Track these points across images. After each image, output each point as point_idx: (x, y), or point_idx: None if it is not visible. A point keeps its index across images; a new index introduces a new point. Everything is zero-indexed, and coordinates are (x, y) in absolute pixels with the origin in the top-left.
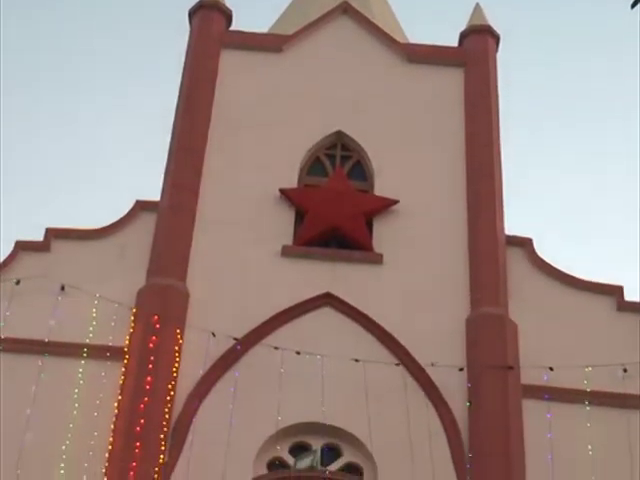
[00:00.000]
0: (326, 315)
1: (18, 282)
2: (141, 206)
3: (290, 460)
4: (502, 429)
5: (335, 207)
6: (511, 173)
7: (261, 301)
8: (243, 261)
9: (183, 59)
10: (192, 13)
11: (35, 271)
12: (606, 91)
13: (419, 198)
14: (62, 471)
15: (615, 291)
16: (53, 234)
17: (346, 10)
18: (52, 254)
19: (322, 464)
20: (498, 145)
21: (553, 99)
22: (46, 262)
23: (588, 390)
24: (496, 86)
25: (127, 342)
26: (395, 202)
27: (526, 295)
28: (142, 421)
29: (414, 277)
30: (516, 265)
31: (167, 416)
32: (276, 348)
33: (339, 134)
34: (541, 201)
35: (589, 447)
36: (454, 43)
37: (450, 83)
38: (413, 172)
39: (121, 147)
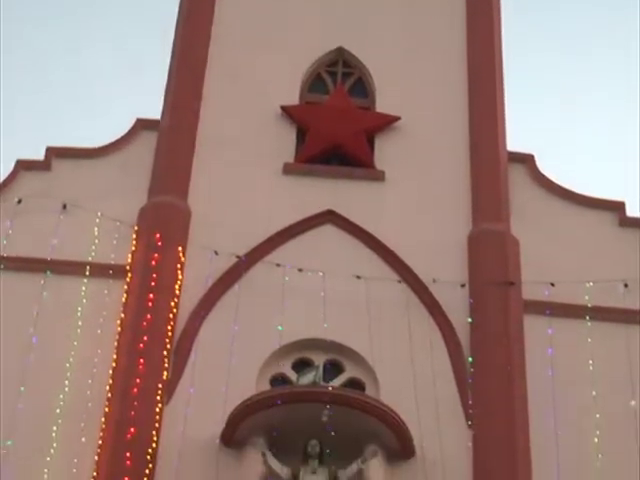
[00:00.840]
0: (328, 232)
1: (20, 201)
2: (142, 125)
3: (293, 376)
4: (503, 345)
5: (337, 124)
6: (513, 89)
7: (263, 219)
8: (245, 179)
9: None
10: None
11: (36, 190)
12: None
13: (421, 115)
14: (66, 388)
15: (617, 207)
16: (54, 153)
17: None
18: (53, 173)
19: (324, 380)
20: (500, 61)
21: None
22: (47, 181)
23: (589, 305)
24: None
25: (129, 260)
26: (396, 119)
27: (528, 211)
28: (145, 338)
29: (416, 194)
30: (518, 181)
31: (170, 333)
32: (278, 265)
33: (340, 50)
34: (544, 117)
35: (590, 362)
36: None
37: None
38: (414, 89)
39: (121, 65)
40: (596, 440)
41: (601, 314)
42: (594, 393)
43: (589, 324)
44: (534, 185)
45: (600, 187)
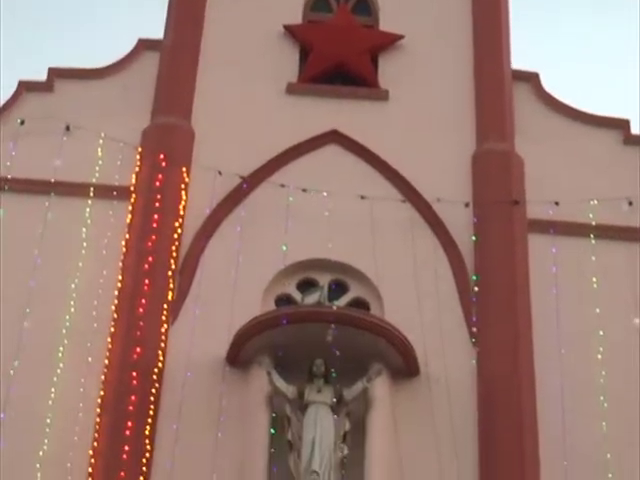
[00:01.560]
0: (332, 152)
1: (22, 122)
2: (144, 45)
3: (297, 296)
4: (507, 263)
5: (340, 43)
6: (518, 6)
7: (266, 139)
8: (248, 99)
9: None
10: None
11: (39, 111)
12: None
13: (424, 33)
14: (72, 309)
15: (621, 124)
16: (56, 74)
17: None
18: (55, 94)
19: (329, 299)
20: None
21: None
22: (50, 102)
23: (593, 224)
24: None
25: (133, 181)
26: (400, 37)
27: (532, 130)
28: (150, 259)
29: (420, 113)
30: (522, 100)
31: (175, 254)
32: (282, 186)
33: None
34: (549, 35)
35: (594, 280)
36: None
37: None
38: (418, 7)
39: None
40: (599, 357)
41: (605, 232)
42: (598, 311)
43: (593, 242)
44: (539, 104)
45: (605, 105)
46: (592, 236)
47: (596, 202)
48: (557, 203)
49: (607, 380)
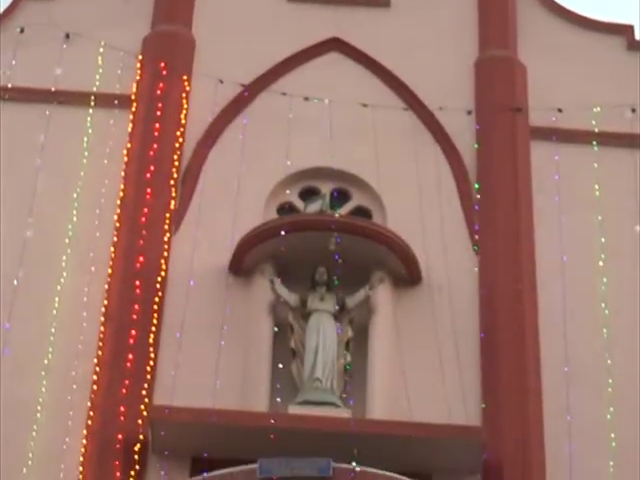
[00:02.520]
0: (333, 60)
1: (22, 30)
2: None
3: (300, 204)
4: (510, 171)
5: None
6: None
7: (268, 47)
8: (249, 7)
9: None
10: None
11: (39, 19)
12: None
13: None
14: (74, 218)
15: (625, 30)
16: None
17: None
18: (55, 1)
19: (331, 208)
20: None
21: None
22: (50, 10)
23: (596, 131)
24: None
25: (134, 90)
26: None
27: (535, 36)
28: (152, 168)
29: (422, 19)
30: (525, 6)
31: (177, 163)
32: (283, 94)
33: None
34: None
35: (596, 187)
36: None
37: None
38: None
39: None
40: (601, 264)
41: (608, 139)
42: (600, 218)
43: (596, 149)
44: (542, 10)
45: (609, 11)
46: (595, 143)
47: (599, 109)
48: (560, 110)
49: (608, 287)
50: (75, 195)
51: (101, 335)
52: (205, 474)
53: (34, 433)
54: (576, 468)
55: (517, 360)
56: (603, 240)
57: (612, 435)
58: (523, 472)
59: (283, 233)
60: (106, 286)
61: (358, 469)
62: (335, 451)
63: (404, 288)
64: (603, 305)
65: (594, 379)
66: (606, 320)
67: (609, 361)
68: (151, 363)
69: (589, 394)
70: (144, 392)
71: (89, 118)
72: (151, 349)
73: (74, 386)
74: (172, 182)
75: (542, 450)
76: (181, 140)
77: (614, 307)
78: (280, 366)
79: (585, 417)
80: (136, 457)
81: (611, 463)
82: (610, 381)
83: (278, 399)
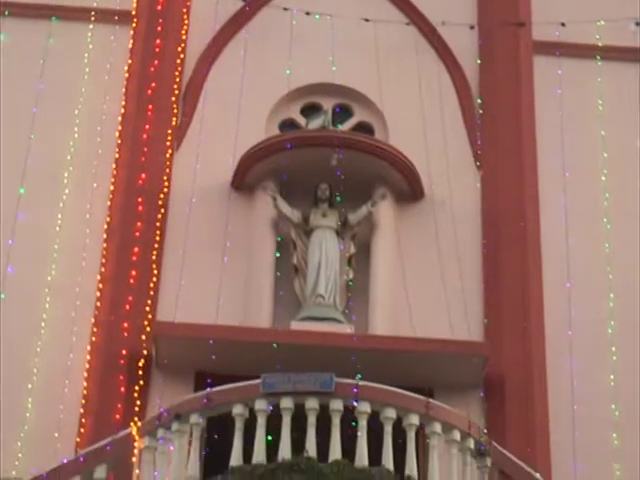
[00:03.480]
0: None
1: None
2: None
3: (302, 121)
4: (513, 86)
5: None
6: None
7: None
8: None
9: None
10: None
11: None
12: None
13: None
14: (76, 135)
15: None
16: None
17: None
18: None
19: (333, 124)
20: None
21: None
22: None
23: (599, 45)
24: None
25: (134, 5)
26: None
27: None
28: (153, 84)
29: None
30: None
31: (178, 79)
32: (285, 9)
33: None
34: None
35: (599, 102)
36: None
37: None
38: None
39: None
40: (603, 179)
41: (611, 53)
42: (602, 133)
43: (599, 64)
44: None
45: None
46: (598, 57)
47: (602, 23)
48: (563, 24)
49: (610, 202)
50: (76, 112)
51: (104, 252)
52: (209, 389)
53: (38, 349)
54: (577, 382)
55: (519, 276)
56: (605, 155)
57: (613, 349)
58: (525, 387)
59: (286, 148)
60: (108, 203)
61: (361, 384)
62: (338, 367)
63: (406, 204)
64: (605, 220)
65: (595, 294)
66: (607, 235)
67: (610, 276)
68: (154, 280)
69: (590, 309)
70: (147, 308)
71: (89, 34)
72: (154, 266)
73: (78, 302)
74: (173, 98)
75: (543, 365)
76: (182, 56)
77: (616, 222)
78: (283, 282)
79: (586, 332)
80: (140, 372)
81: (612, 377)
82: (611, 296)
83: (281, 315)
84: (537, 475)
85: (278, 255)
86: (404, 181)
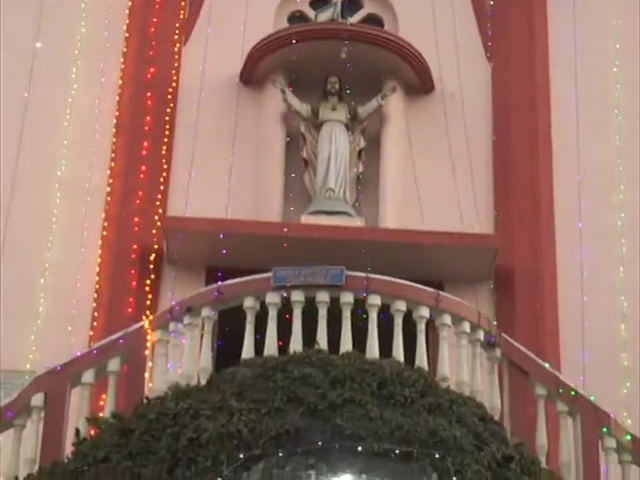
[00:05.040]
0: None
1: None
2: None
3: (311, 13)
4: None
5: None
6: None
7: None
8: None
9: None
10: None
11: None
12: None
13: None
14: (83, 29)
15: None
16: None
17: None
18: None
19: (342, 16)
20: None
21: None
22: None
23: None
24: None
25: None
26: None
27: None
28: None
29: None
30: None
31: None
32: None
33: None
34: None
35: None
36: None
37: None
38: None
39: None
40: (615, 70)
41: None
42: (614, 23)
43: None
44: None
45: None
46: None
47: None
48: None
49: (621, 93)
50: (83, 6)
51: (113, 147)
52: (220, 283)
53: (49, 245)
54: (587, 273)
55: (529, 168)
56: (617, 46)
57: (622, 241)
58: (534, 278)
59: (294, 42)
60: (117, 98)
61: (371, 277)
62: (348, 260)
63: (416, 97)
64: (616, 112)
65: (605, 186)
66: (618, 127)
67: (621, 168)
68: (164, 175)
69: (600, 201)
70: (158, 203)
71: None
72: (164, 161)
73: (88, 198)
74: (183, 3)
75: (553, 256)
76: None
77: (627, 114)
78: (292, 176)
79: (596, 224)
80: (151, 267)
81: (621, 268)
82: (621, 187)
83: (291, 209)
84: (546, 365)
85: (287, 149)
86: (414, 74)
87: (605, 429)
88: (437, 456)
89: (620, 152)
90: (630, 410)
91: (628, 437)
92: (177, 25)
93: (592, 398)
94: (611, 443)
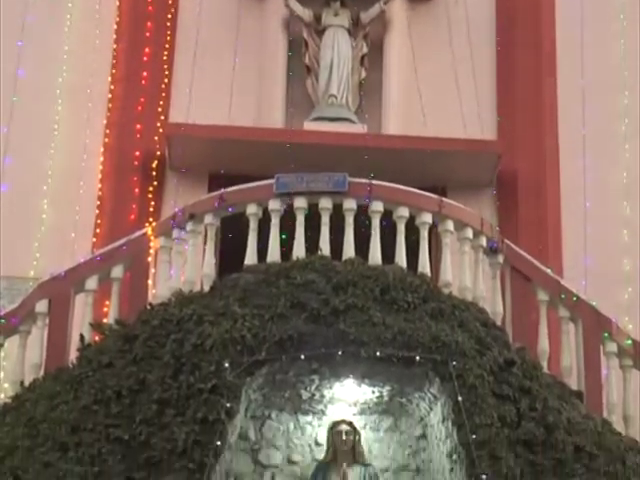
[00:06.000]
0: None
1: None
2: None
3: None
4: None
5: None
6: None
7: None
8: None
9: None
10: None
11: None
12: None
13: None
14: None
15: None
16: None
17: None
18: None
19: None
20: None
21: None
22: None
23: None
24: None
25: None
26: None
27: None
28: None
29: None
30: None
31: None
32: None
33: None
34: None
35: None
36: None
37: None
38: None
39: None
40: None
41: None
42: None
43: None
44: None
45: None
46: None
47: None
48: None
49: None
50: None
51: (114, 53)
52: (222, 190)
53: (52, 152)
54: (590, 179)
55: (533, 74)
56: None
57: (626, 146)
58: (537, 184)
59: None
60: (117, 3)
61: (374, 183)
62: (351, 166)
63: (419, 2)
64: (621, 17)
65: (609, 92)
66: (623, 32)
67: (625, 73)
68: (166, 81)
69: (604, 107)
70: (160, 109)
71: None
72: (165, 66)
73: (90, 104)
74: None
75: (556, 162)
76: None
77: (631, 19)
78: (292, 75)
79: (599, 129)
80: (154, 173)
81: (624, 174)
82: (626, 93)
83: (293, 116)
84: (548, 271)
85: (289, 55)
86: None
87: (606, 334)
88: (439, 361)
89: (625, 57)
90: (631, 315)
91: (629, 342)
92: None
93: (594, 303)
94: (612, 348)
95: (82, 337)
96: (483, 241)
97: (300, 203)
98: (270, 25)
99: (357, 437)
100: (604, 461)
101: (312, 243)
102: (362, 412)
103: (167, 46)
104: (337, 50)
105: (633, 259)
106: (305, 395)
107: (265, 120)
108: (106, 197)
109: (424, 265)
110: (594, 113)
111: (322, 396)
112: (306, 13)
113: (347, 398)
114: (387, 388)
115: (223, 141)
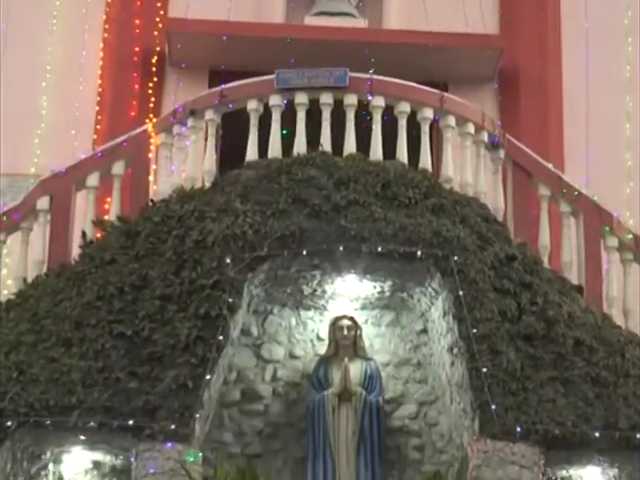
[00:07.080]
0: None
1: None
2: None
3: None
4: None
5: None
6: None
7: None
8: None
9: None
10: None
11: None
12: None
13: None
14: None
15: None
16: None
17: None
18: None
19: None
20: None
21: None
22: None
23: None
24: None
25: None
26: None
27: None
28: None
29: None
30: None
31: None
32: None
33: None
34: None
35: None
36: None
37: None
38: None
39: None
40: None
41: None
42: None
43: None
44: None
45: None
46: None
47: None
48: None
49: None
50: None
51: None
52: (223, 86)
53: (50, 48)
54: (592, 73)
55: None
56: None
57: (629, 40)
58: (539, 79)
59: None
60: None
61: (375, 78)
62: (352, 62)
63: None
64: None
65: None
66: None
67: None
68: None
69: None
70: (159, 4)
71: None
72: None
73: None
74: None
75: (559, 57)
76: None
77: None
78: None
79: (602, 23)
80: (154, 69)
81: (627, 68)
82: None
83: (294, 11)
84: (549, 165)
85: None
86: None
87: (607, 228)
88: (440, 256)
89: None
90: (633, 210)
91: (630, 236)
92: None
93: (595, 198)
94: (613, 242)
95: (84, 234)
96: (484, 136)
97: (301, 99)
98: None
99: (358, 332)
100: (604, 354)
101: (313, 139)
102: (363, 307)
103: None
104: None
105: (635, 154)
106: (307, 290)
107: (266, 15)
108: (106, 93)
109: (425, 161)
110: (596, 6)
111: (324, 291)
112: None
113: (348, 293)
114: (388, 283)
115: (223, 36)
